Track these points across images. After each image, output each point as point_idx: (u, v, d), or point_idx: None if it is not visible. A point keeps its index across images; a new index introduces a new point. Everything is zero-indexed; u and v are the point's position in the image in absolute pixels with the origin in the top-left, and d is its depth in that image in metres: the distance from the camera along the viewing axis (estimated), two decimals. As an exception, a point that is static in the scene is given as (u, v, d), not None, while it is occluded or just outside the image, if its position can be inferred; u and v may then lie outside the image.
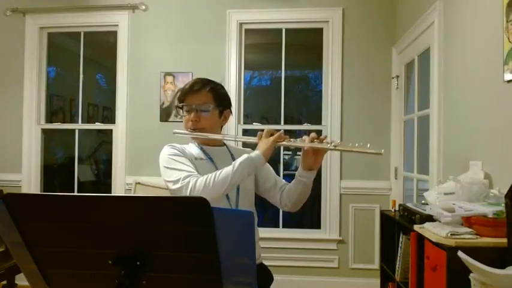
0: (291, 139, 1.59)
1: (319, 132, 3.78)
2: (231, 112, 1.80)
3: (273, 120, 4.43)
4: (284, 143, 1.58)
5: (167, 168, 1.58)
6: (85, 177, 5.37)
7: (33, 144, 3.99)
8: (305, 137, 1.57)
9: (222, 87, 1.76)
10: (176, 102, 1.75)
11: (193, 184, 1.48)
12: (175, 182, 1.52)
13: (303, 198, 1.68)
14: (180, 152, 1.63)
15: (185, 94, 1.68)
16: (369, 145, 1.47)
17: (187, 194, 1.46)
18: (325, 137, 1.58)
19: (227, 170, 1.50)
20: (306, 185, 1.63)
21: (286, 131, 3.96)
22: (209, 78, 1.77)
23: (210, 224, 0.90)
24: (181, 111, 1.71)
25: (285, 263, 3.67)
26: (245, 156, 1.53)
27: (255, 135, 1.64)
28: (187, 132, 1.69)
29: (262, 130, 1.61)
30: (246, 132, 3.89)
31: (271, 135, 1.57)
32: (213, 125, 1.70)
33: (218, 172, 1.50)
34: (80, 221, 0.95)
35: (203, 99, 1.67)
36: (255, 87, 6.41)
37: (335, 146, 1.51)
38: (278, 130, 1.63)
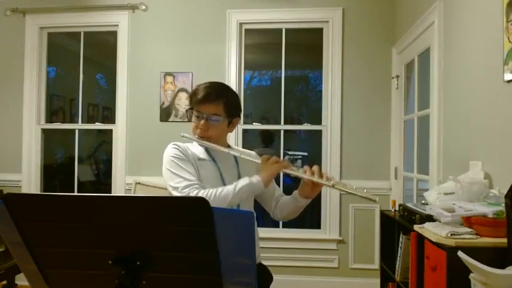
0: (294, 167, 1.66)
1: (319, 133, 3.83)
2: (240, 117, 1.82)
3: (273, 120, 4.42)
4: (286, 171, 1.65)
5: (169, 170, 1.63)
6: (85, 177, 5.36)
7: (33, 144, 3.99)
8: (306, 168, 1.64)
9: (236, 97, 1.77)
10: (187, 102, 1.75)
11: None
12: (174, 188, 1.59)
13: (293, 215, 1.80)
14: (183, 154, 1.65)
15: (198, 102, 1.68)
16: (365, 190, 1.59)
17: None
18: (327, 175, 1.65)
19: (228, 189, 1.58)
20: (298, 207, 1.74)
21: (286, 131, 4.02)
22: (211, 79, 1.78)
23: (210, 224, 0.90)
24: (190, 112, 1.73)
25: (285, 263, 3.67)
26: (247, 181, 1.60)
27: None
28: (194, 138, 1.72)
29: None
30: (245, 133, 3.89)
31: (276, 162, 1.66)
32: (220, 134, 1.74)
33: (220, 189, 1.57)
34: (80, 221, 0.95)
35: (215, 110, 1.68)
36: (255, 87, 6.41)
37: (333, 185, 1.59)
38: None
